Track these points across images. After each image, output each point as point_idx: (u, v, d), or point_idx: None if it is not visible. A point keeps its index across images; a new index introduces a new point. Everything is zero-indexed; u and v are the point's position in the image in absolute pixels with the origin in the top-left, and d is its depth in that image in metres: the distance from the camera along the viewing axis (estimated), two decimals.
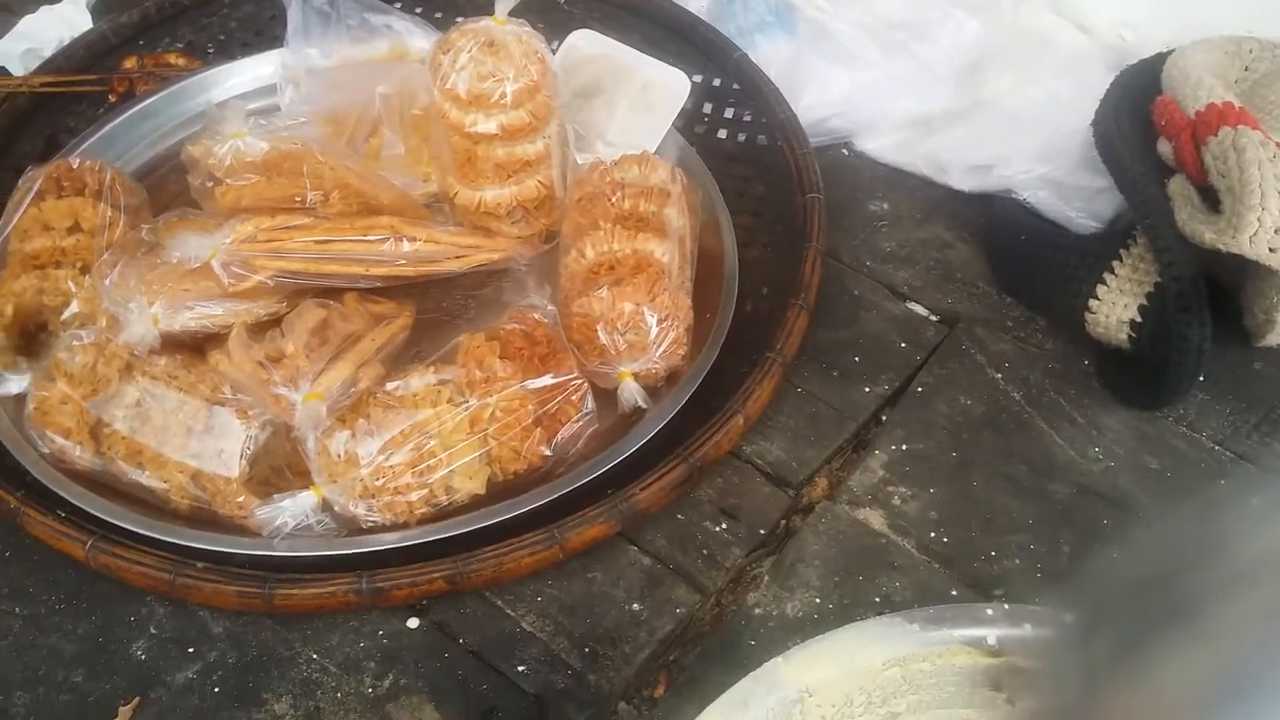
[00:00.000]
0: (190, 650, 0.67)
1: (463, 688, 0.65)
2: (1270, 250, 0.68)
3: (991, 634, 0.53)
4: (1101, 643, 0.42)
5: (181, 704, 0.64)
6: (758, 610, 0.68)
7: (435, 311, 0.83)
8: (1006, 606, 0.54)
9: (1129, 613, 0.42)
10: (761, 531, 0.73)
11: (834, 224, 0.90)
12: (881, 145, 0.96)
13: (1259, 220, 0.68)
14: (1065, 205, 0.85)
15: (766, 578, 0.70)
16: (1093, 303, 0.76)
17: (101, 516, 0.68)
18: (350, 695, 0.65)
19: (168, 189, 0.91)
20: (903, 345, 0.83)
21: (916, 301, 0.86)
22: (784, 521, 0.74)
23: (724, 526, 0.73)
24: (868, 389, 0.80)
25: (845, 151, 0.97)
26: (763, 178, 0.92)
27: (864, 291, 0.87)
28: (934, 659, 0.53)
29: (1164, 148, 0.78)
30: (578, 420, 0.71)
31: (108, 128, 0.93)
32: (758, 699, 0.51)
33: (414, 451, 0.66)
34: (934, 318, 0.85)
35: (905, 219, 0.92)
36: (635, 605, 0.69)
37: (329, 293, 0.77)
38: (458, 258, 0.81)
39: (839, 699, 0.53)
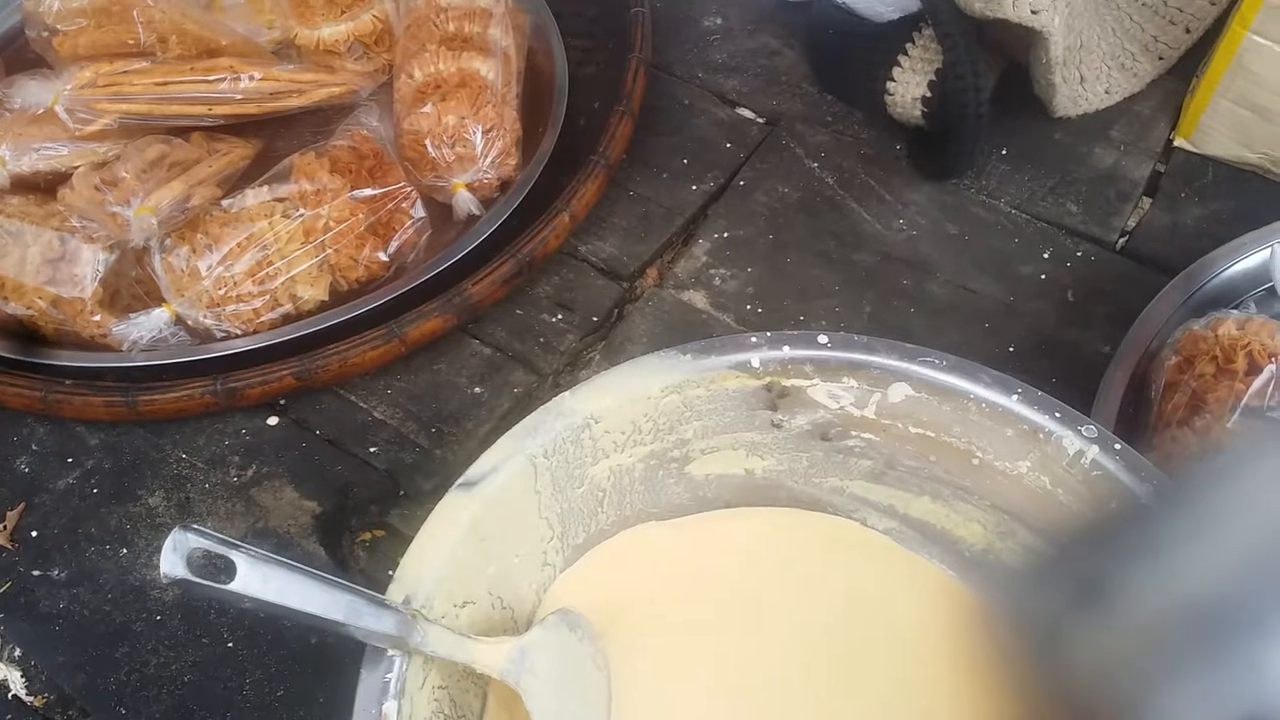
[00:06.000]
0: (69, 460, 0.73)
1: (320, 470, 0.72)
2: (1033, 12, 0.73)
3: (755, 357, 0.59)
4: (1064, 584, 0.44)
5: (64, 505, 0.71)
6: None
7: (286, 151, 0.87)
8: (769, 334, 0.60)
9: (1088, 559, 0.45)
10: (595, 319, 0.79)
11: (669, 40, 0.95)
12: None
13: None
14: (876, 1, 0.90)
15: (598, 357, 0.77)
16: (890, 84, 0.81)
17: None
18: (217, 485, 0.71)
19: (25, 62, 0.94)
20: (728, 145, 0.88)
21: (744, 106, 0.92)
22: (616, 310, 0.80)
23: (560, 317, 0.79)
24: (695, 187, 0.86)
25: None
26: (596, 0, 0.96)
27: (694, 100, 0.92)
28: (707, 384, 0.60)
29: None
30: (410, 227, 0.76)
31: None
32: (546, 426, 0.57)
33: (252, 262, 0.72)
34: (760, 119, 0.91)
35: (737, 31, 0.97)
36: (477, 389, 0.75)
37: (177, 133, 0.81)
38: (300, 93, 0.85)
39: (626, 426, 0.60)
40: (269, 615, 0.47)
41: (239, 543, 0.46)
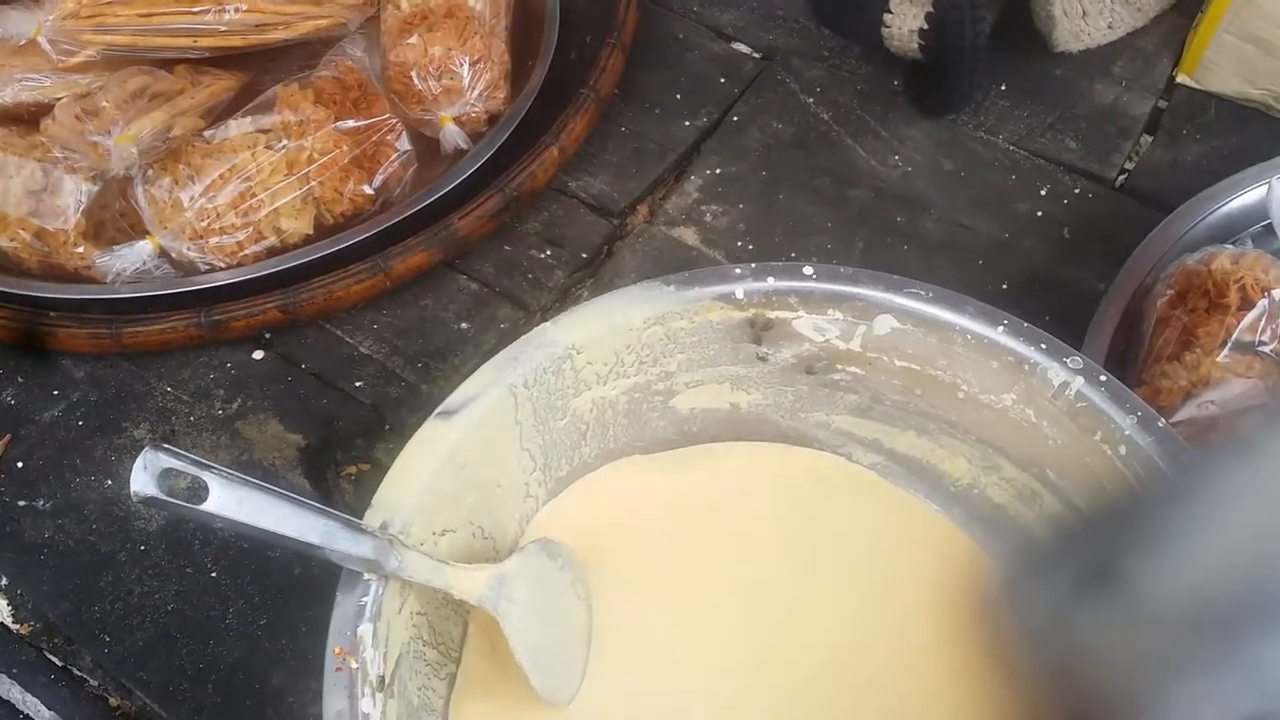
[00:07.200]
0: (55, 393, 0.73)
1: (305, 404, 0.71)
2: None
3: (739, 288, 0.58)
4: (1068, 568, 0.43)
5: (49, 437, 0.71)
6: None
7: (272, 84, 0.85)
8: (753, 265, 0.59)
9: (1096, 544, 0.43)
10: (584, 255, 0.78)
11: None
12: None
13: None
14: None
15: (586, 294, 0.76)
16: (887, 17, 0.80)
17: None
18: (202, 418, 0.71)
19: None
20: (722, 81, 0.87)
21: (739, 40, 0.90)
22: (606, 246, 0.79)
23: (549, 253, 0.78)
24: (688, 123, 0.85)
25: None
26: None
27: (689, 35, 0.90)
28: (690, 316, 0.59)
29: None
30: (395, 160, 0.75)
31: None
32: (527, 355, 0.57)
33: (235, 194, 0.71)
34: (755, 54, 0.89)
35: None
36: (464, 324, 0.75)
37: (162, 65, 0.80)
38: (285, 26, 0.84)
39: (609, 357, 0.59)
40: (247, 539, 0.47)
41: (212, 464, 0.45)
